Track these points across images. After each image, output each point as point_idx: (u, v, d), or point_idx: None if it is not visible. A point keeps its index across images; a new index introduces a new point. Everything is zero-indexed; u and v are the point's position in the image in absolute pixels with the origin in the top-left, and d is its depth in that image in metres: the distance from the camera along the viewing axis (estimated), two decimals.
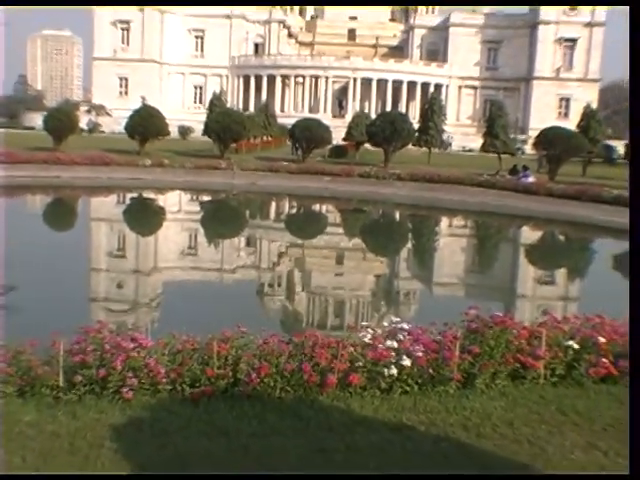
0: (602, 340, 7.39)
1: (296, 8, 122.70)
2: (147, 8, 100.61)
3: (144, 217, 29.94)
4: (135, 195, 34.71)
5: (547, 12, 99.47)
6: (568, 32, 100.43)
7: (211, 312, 12.43)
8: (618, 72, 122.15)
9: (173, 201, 34.18)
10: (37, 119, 64.58)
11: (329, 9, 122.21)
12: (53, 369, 6.37)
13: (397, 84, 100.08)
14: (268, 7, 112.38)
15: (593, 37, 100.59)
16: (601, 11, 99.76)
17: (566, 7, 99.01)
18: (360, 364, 6.63)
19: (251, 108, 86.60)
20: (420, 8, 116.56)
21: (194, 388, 6.43)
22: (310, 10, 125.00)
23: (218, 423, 5.86)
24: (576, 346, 7.27)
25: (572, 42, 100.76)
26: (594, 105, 72.16)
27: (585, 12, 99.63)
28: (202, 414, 6.05)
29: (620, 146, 61.08)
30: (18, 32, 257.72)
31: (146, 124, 45.57)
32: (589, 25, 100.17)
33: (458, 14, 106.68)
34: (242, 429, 5.76)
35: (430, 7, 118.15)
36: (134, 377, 6.32)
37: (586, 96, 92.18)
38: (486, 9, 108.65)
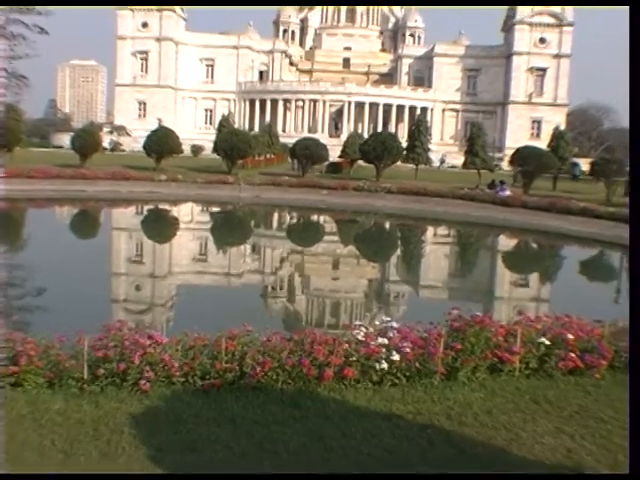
0: (570, 337, 7.41)
1: (297, 39, 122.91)
2: (164, 40, 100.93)
3: (160, 226, 29.91)
4: (152, 207, 34.70)
5: (520, 44, 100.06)
6: (539, 62, 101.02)
7: (219, 312, 12.42)
8: (583, 97, 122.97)
9: (186, 212, 34.17)
10: (65, 139, 64.57)
11: (326, 41, 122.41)
12: (78, 363, 6.39)
13: (387, 107, 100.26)
14: (271, 38, 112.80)
15: (560, 67, 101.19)
16: (567, 44, 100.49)
17: (536, 39, 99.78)
18: (354, 359, 6.63)
19: (256, 128, 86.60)
20: (408, 39, 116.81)
21: (204, 380, 6.43)
22: (309, 41, 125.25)
23: (226, 412, 5.87)
24: (547, 342, 7.29)
25: (542, 71, 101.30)
26: (562, 127, 72.29)
27: (553, 44, 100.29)
28: (212, 404, 6.06)
29: (585, 164, 61.17)
30: (49, 61, 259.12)
31: (162, 143, 45.66)
32: (557, 56, 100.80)
33: (441, 45, 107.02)
34: (247, 417, 5.76)
35: (417, 38, 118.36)
36: (151, 370, 6.34)
37: (555, 119, 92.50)
38: (466, 41, 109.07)
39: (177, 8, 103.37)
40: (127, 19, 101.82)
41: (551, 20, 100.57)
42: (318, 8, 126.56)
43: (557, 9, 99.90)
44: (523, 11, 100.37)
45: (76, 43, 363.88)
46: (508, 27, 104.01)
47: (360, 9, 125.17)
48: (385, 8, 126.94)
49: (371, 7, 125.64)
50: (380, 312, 14.05)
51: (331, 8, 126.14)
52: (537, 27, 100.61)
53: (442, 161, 37.67)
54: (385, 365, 6.60)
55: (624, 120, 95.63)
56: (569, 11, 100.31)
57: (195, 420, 5.70)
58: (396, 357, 6.65)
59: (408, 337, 6.99)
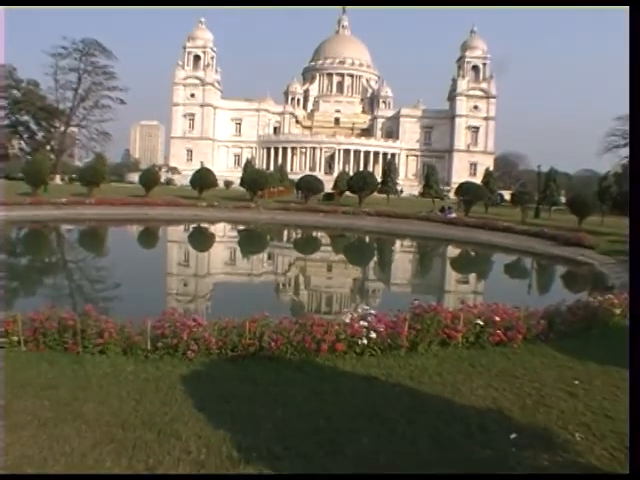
0: (497, 319, 7.44)
1: (301, 104, 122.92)
2: (205, 106, 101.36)
3: (201, 240, 29.89)
4: (195, 225, 34.63)
5: (460, 109, 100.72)
6: (474, 122, 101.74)
7: (244, 302, 12.38)
8: (505, 148, 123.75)
9: (220, 229, 34.11)
10: (135, 177, 64.51)
11: (322, 105, 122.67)
12: (144, 338, 6.42)
13: (367, 153, 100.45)
14: (283, 104, 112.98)
15: (489, 126, 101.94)
16: (492, 110, 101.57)
17: (471, 106, 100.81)
18: (343, 337, 6.61)
19: (271, 168, 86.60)
20: (381, 104, 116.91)
21: (233, 352, 6.43)
22: (310, 106, 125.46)
23: (249, 375, 5.86)
24: (481, 323, 7.30)
25: (476, 129, 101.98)
26: (491, 168, 72.61)
27: (483, 110, 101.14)
28: (239, 369, 6.05)
29: (507, 194, 61.28)
30: (125, 122, 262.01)
31: (203, 179, 45.64)
32: (486, 119, 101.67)
33: (405, 109, 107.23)
34: (264, 379, 5.75)
35: (387, 103, 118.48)
36: (195, 344, 6.34)
37: (486, 162, 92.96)
38: (422, 106, 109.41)
39: (215, 83, 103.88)
40: (180, 91, 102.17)
41: (481, 93, 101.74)
42: (317, 82, 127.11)
43: (484, 85, 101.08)
44: (462, 86, 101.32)
45: (144, 109, 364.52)
46: (452, 97, 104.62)
47: (346, 83, 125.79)
48: (364, 82, 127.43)
49: (354, 82, 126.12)
50: (362, 302, 14.04)
51: (326, 82, 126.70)
52: (472, 98, 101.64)
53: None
54: (365, 341, 6.60)
55: (533, 163, 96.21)
56: (493, 87, 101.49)
57: (227, 381, 5.70)
58: (373, 335, 6.65)
59: (382, 320, 6.98)
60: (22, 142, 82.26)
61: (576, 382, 5.95)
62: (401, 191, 64.86)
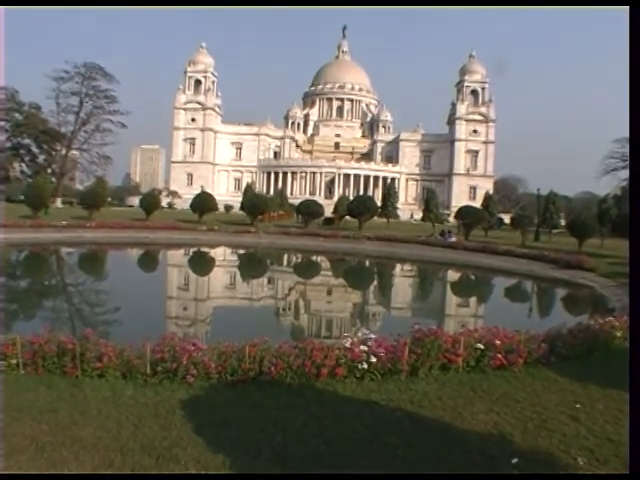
0: (498, 342, 7.42)
1: (301, 129, 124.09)
2: (206, 130, 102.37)
3: (201, 263, 29.89)
4: (195, 249, 34.68)
5: (459, 133, 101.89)
6: (473, 146, 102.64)
7: (244, 326, 12.37)
8: (504, 171, 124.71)
9: (220, 253, 34.13)
10: (135, 200, 65.02)
11: (322, 130, 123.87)
12: (143, 362, 6.40)
13: (366, 177, 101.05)
14: (283, 128, 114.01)
15: (488, 149, 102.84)
16: (492, 134, 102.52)
17: (471, 130, 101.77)
18: (343, 361, 6.59)
19: (271, 192, 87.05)
20: (381, 129, 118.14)
21: (233, 377, 6.41)
22: (310, 130, 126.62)
23: (249, 400, 5.84)
24: (482, 347, 7.28)
25: (475, 152, 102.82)
26: (491, 191, 73.06)
27: (482, 134, 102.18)
28: (238, 394, 6.03)
29: (507, 218, 61.47)
30: (126, 145, 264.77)
31: (203, 203, 45.84)
32: (485, 142, 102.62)
33: (404, 133, 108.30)
34: (265, 404, 5.73)
35: (387, 128, 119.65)
36: (194, 369, 6.33)
37: (486, 186, 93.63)
38: (422, 130, 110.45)
39: (216, 107, 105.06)
40: (181, 115, 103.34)
41: (480, 117, 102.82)
42: (317, 106, 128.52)
43: (483, 109, 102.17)
44: (461, 110, 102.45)
45: (145, 132, 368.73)
46: (451, 121, 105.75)
47: (346, 107, 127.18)
48: (364, 106, 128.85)
49: (354, 106, 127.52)
50: (362, 326, 14.01)
51: (326, 106, 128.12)
52: (471, 122, 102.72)
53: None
54: (366, 365, 6.58)
55: (532, 186, 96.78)
56: (492, 111, 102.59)
57: (226, 405, 5.69)
58: (374, 359, 6.63)
59: (382, 345, 6.96)
60: (23, 165, 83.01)
61: (578, 406, 5.94)
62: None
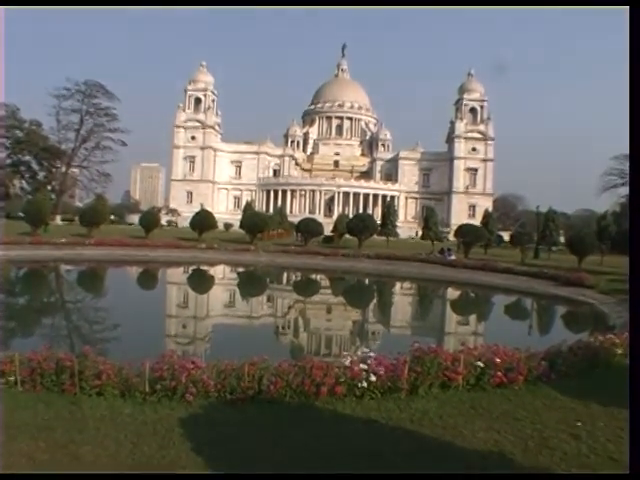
0: (498, 360, 7.40)
1: (301, 147, 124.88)
2: (205, 149, 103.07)
3: (200, 282, 29.84)
4: (195, 267, 34.65)
5: (458, 152, 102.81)
6: (472, 164, 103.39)
7: (243, 344, 12.32)
8: (503, 189, 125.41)
9: (219, 271, 34.10)
10: (135, 218, 65.15)
11: (321, 148, 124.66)
12: (142, 380, 6.37)
13: (366, 196, 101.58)
14: (282, 146, 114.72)
15: (487, 167, 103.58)
16: (491, 152, 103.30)
17: (470, 148, 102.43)
18: (342, 379, 6.58)
19: (271, 211, 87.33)
20: (380, 147, 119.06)
21: (232, 395, 6.38)
22: (309, 148, 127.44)
23: (248, 418, 5.82)
24: (482, 365, 7.26)
25: (474, 170, 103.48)
26: (490, 209, 73.27)
27: (481, 152, 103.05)
28: (237, 412, 6.00)
29: (506, 235, 61.59)
30: (126, 163, 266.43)
31: (203, 221, 45.98)
32: (484, 160, 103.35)
33: (404, 151, 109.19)
34: (263, 423, 5.72)
35: (386, 146, 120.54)
36: (193, 387, 6.31)
37: (485, 204, 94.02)
38: (421, 148, 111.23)
39: (216, 126, 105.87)
40: (181, 133, 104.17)
41: (479, 135, 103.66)
42: (316, 124, 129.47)
43: (482, 128, 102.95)
44: (460, 128, 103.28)
45: (145, 150, 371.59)
46: (450, 139, 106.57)
47: (346, 126, 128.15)
48: (363, 125, 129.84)
49: (353, 125, 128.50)
50: (361, 345, 13.96)
51: (325, 125, 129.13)
52: (470, 140, 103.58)
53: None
54: (365, 384, 6.57)
55: (532, 204, 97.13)
56: (490, 129, 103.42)
57: (225, 424, 5.66)
58: (373, 378, 6.61)
59: (382, 363, 6.95)
60: (23, 182, 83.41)
61: (579, 424, 5.91)
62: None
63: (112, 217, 67.46)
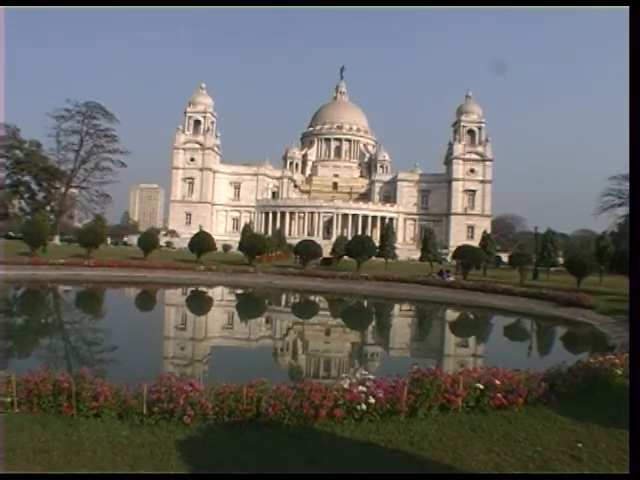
0: (497, 382, 7.37)
1: (299, 169, 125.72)
2: (204, 170, 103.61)
3: (199, 303, 29.76)
4: (193, 289, 34.58)
5: (457, 173, 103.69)
6: (470, 186, 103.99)
7: (242, 367, 12.25)
8: (501, 210, 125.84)
9: (218, 293, 34.03)
10: (134, 239, 65.38)
11: (320, 170, 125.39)
12: (139, 402, 6.34)
13: (364, 217, 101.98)
14: (281, 168, 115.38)
15: (485, 189, 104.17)
16: (489, 173, 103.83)
17: (468, 170, 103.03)
18: (341, 402, 6.54)
19: (269, 232, 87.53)
20: (378, 169, 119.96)
21: (231, 418, 6.34)
22: (308, 170, 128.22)
23: (246, 441, 5.77)
24: (481, 387, 7.22)
25: (473, 192, 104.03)
26: (488, 231, 73.56)
27: (480, 174, 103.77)
28: (236, 435, 5.95)
29: (505, 256, 61.62)
30: (125, 184, 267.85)
31: (201, 243, 46.06)
32: (482, 182, 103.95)
33: (402, 173, 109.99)
34: (262, 445, 5.67)
35: (385, 168, 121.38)
36: (191, 409, 6.26)
37: (483, 225, 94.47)
38: (419, 170, 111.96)
39: (215, 147, 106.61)
40: (180, 155, 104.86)
41: (477, 157, 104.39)
42: (315, 146, 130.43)
43: (480, 149, 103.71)
44: (458, 149, 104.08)
45: (144, 172, 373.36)
46: (448, 161, 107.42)
47: (344, 148, 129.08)
48: (361, 147, 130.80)
49: (352, 147, 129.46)
50: (360, 367, 13.88)
51: (324, 147, 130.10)
52: (468, 162, 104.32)
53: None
54: (364, 406, 6.53)
55: (530, 225, 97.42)
56: (489, 151, 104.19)
57: (223, 447, 5.61)
58: (372, 400, 6.58)
59: (381, 385, 6.92)
60: (22, 202, 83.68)
61: (579, 445, 5.87)
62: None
63: (109, 240, 67.53)
